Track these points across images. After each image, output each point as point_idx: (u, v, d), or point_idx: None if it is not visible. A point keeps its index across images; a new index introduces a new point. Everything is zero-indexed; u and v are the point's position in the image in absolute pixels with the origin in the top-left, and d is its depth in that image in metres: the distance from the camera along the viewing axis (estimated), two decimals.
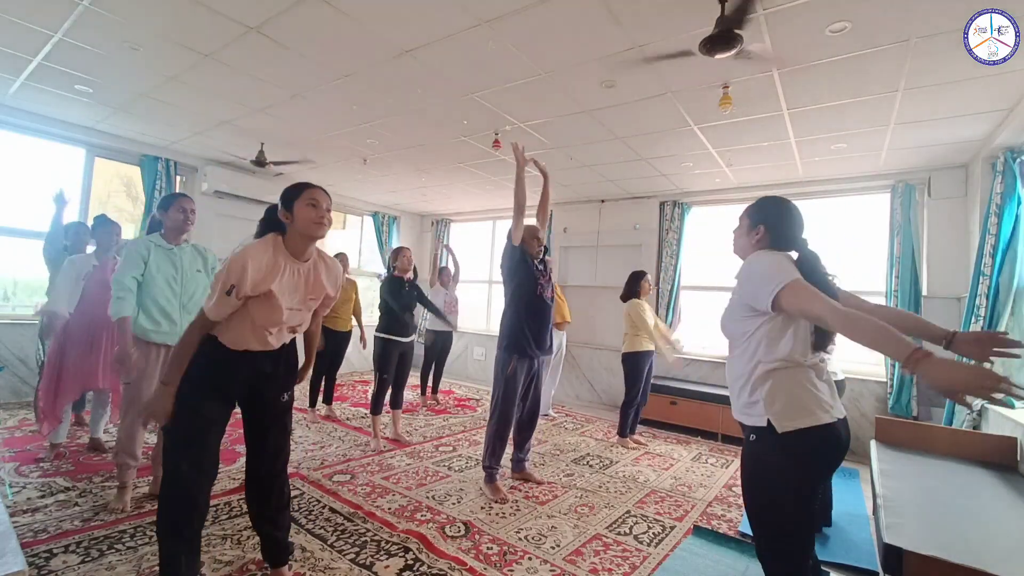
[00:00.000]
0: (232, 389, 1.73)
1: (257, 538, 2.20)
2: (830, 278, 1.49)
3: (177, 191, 4.72)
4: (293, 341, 1.87)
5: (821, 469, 1.46)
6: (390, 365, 3.76)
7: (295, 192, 1.70)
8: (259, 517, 1.85)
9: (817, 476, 1.44)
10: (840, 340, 1.49)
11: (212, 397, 1.68)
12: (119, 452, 2.46)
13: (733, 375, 1.56)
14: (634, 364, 4.14)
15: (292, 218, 1.68)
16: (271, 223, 1.75)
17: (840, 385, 2.68)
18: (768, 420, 1.41)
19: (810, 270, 1.46)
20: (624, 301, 4.28)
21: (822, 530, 2.74)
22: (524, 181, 2.93)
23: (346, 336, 4.64)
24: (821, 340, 1.47)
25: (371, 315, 7.77)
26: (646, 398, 4.31)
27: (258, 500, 1.84)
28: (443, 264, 7.05)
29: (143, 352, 2.40)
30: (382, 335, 3.76)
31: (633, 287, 4.25)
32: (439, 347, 5.39)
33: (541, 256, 3.08)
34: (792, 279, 1.35)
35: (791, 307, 1.35)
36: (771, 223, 1.55)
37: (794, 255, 1.53)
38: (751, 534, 1.62)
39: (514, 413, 3.00)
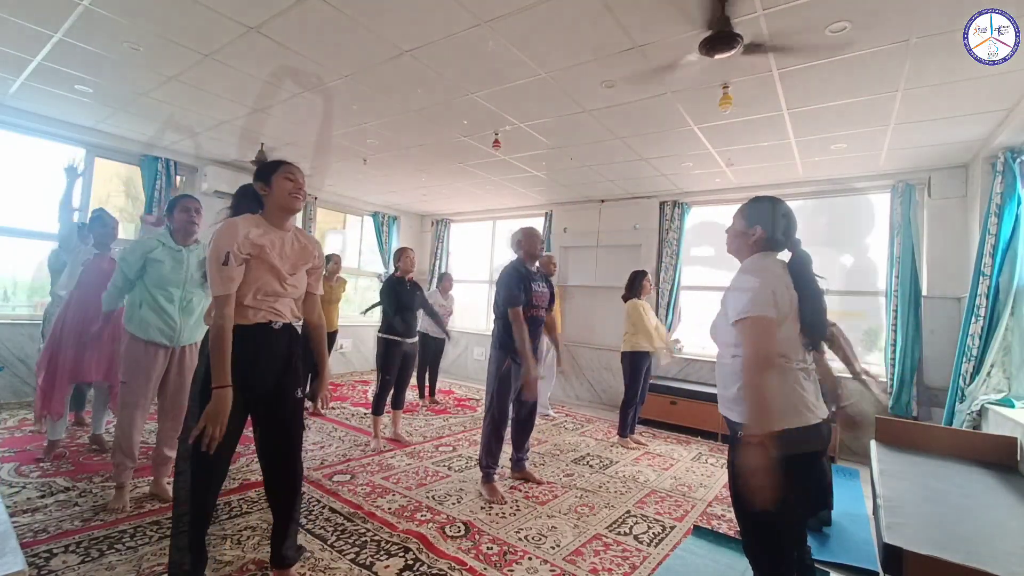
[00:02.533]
0: (249, 382, 1.70)
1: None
2: (819, 279, 1.55)
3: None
4: (297, 332, 1.87)
5: (805, 466, 1.50)
6: (392, 366, 3.74)
7: (273, 167, 1.80)
8: (285, 516, 1.85)
9: (802, 473, 1.48)
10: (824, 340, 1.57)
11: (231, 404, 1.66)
12: (116, 452, 2.45)
13: (723, 374, 1.60)
14: (632, 364, 4.15)
15: (270, 190, 1.77)
16: (247, 197, 1.82)
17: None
18: None
19: (800, 270, 1.52)
20: (625, 301, 4.30)
21: (822, 530, 2.74)
22: None
23: (332, 336, 4.64)
24: (812, 341, 1.50)
25: (371, 316, 7.88)
26: (644, 397, 4.33)
27: (285, 497, 1.85)
28: (445, 271, 7.06)
29: (140, 348, 2.41)
30: (384, 336, 3.74)
31: (634, 286, 4.28)
32: (432, 351, 5.34)
33: (539, 257, 3.10)
34: (757, 314, 1.42)
35: (739, 334, 1.45)
36: (768, 224, 1.58)
37: (787, 255, 1.58)
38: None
39: (509, 410, 3.00)
